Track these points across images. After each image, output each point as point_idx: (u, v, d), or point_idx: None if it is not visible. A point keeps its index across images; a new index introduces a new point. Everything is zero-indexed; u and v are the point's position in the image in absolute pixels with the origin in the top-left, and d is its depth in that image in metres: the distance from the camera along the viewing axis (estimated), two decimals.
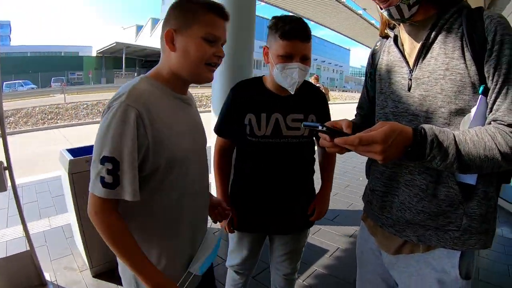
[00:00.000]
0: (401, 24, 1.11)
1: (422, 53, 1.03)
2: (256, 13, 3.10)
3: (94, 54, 49.59)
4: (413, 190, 1.06)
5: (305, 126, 0.95)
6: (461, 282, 1.04)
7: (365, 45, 23.40)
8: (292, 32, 1.37)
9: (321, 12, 13.44)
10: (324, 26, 16.22)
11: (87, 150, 2.52)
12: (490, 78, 0.92)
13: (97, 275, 2.50)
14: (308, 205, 1.69)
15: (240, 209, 1.63)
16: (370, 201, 1.23)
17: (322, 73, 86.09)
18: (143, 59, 45.86)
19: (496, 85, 0.91)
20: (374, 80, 1.24)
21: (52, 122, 14.54)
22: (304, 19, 1.42)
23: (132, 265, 0.99)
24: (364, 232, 1.30)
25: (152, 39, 54.30)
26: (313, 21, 14.77)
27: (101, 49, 44.26)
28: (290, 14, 1.41)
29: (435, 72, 0.99)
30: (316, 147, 1.62)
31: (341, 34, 18.81)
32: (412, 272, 1.11)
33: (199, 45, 1.06)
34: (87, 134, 11.00)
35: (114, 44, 39.71)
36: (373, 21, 15.68)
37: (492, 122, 0.93)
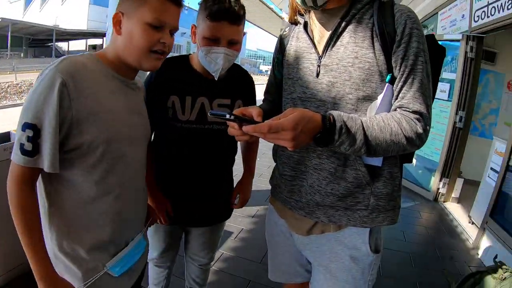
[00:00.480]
0: (312, 11, 1.11)
1: (332, 40, 1.06)
2: None
3: None
4: (321, 174, 1.09)
5: (212, 115, 0.90)
6: (372, 256, 1.13)
7: (262, 29, 24.02)
8: (220, 12, 1.26)
9: None
10: None
11: None
12: (397, 67, 0.99)
13: (2, 286, 2.18)
14: (229, 194, 1.67)
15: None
16: (278, 185, 1.25)
17: None
18: (30, 38, 40.83)
19: (402, 74, 0.98)
20: (282, 66, 1.25)
21: None
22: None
23: (29, 247, 0.94)
24: (273, 215, 1.32)
25: (42, 15, 48.71)
26: None
27: None
28: None
29: (344, 60, 1.03)
30: None
31: None
32: (324, 250, 1.17)
33: (143, 31, 1.01)
34: None
35: None
36: (272, 6, 16.03)
37: (397, 109, 1.00)
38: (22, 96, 15.26)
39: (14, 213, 0.93)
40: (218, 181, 1.59)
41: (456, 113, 4.30)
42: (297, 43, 1.18)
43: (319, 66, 1.08)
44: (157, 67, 1.09)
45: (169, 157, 1.49)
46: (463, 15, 4.30)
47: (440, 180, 4.53)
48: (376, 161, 1.06)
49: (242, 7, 1.33)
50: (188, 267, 1.81)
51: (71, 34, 40.56)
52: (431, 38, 1.12)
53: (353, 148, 0.92)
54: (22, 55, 38.29)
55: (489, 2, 3.65)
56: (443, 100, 4.55)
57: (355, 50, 1.02)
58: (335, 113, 0.92)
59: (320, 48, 1.09)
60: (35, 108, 0.90)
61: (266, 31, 24.53)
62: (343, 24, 1.05)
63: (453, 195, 4.56)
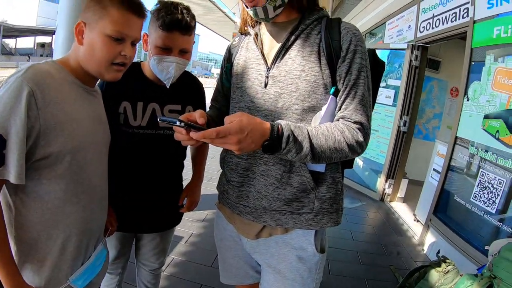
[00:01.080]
0: (263, 23, 1.16)
1: (281, 53, 1.11)
2: None
3: None
4: (268, 180, 1.12)
5: (162, 121, 0.91)
6: (318, 256, 1.17)
7: (215, 32, 24.15)
8: (173, 23, 1.29)
9: None
10: None
11: None
12: (341, 81, 1.06)
13: None
14: (178, 200, 1.66)
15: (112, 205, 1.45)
16: (226, 191, 1.27)
17: None
18: None
19: (346, 87, 1.05)
20: (231, 75, 1.27)
21: None
22: None
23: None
24: (222, 221, 1.33)
25: None
26: None
27: None
28: (177, 1, 1.38)
29: (292, 72, 1.08)
30: None
31: None
32: (273, 252, 1.20)
33: (104, 43, 1.01)
34: None
35: None
36: (225, 10, 16.07)
37: (340, 119, 1.06)
38: None
39: None
40: (168, 185, 1.61)
41: (401, 118, 4.56)
42: (246, 53, 1.22)
43: (267, 77, 1.12)
44: (118, 78, 1.10)
45: (121, 162, 1.47)
46: (410, 25, 4.57)
47: (386, 181, 4.77)
48: (320, 168, 1.12)
49: (193, 18, 1.36)
50: (139, 273, 1.79)
51: (19, 31, 38.21)
52: (372, 53, 1.20)
53: (300, 156, 0.97)
54: None
55: (434, 15, 3.92)
56: (388, 105, 4.79)
57: (302, 63, 1.07)
58: (283, 122, 0.96)
59: (269, 60, 1.13)
60: (0, 118, 0.87)
61: (219, 34, 24.57)
62: (292, 38, 1.10)
63: (398, 195, 4.80)
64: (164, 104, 1.47)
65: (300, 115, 1.08)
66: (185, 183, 1.72)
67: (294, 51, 1.10)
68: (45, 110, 0.92)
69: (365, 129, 1.05)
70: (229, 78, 1.29)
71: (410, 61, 4.41)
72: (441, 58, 5.51)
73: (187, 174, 1.72)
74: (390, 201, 4.77)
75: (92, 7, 1.02)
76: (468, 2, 3.22)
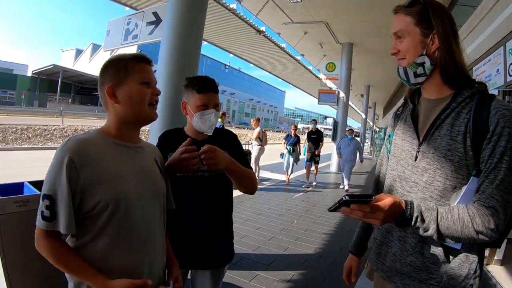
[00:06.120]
0: (423, 97, 1.28)
1: (431, 130, 1.19)
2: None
3: (29, 74, 47.02)
4: (404, 246, 1.22)
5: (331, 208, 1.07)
6: None
7: (300, 89, 24.68)
8: (207, 86, 1.75)
9: (260, 54, 14.09)
10: (263, 69, 17.07)
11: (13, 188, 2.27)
12: (484, 163, 1.07)
13: None
14: (228, 239, 1.88)
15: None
16: (371, 247, 1.42)
17: (257, 113, 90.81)
18: (79, 86, 44.08)
19: (486, 171, 1.06)
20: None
21: None
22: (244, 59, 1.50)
23: (82, 278, 1.14)
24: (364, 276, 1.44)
25: (91, 65, 52.62)
26: (251, 62, 15.46)
27: (38, 69, 42.09)
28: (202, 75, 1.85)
29: (439, 150, 1.14)
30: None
31: (278, 77, 19.44)
32: None
33: (140, 90, 1.24)
34: (13, 161, 10.29)
35: (51, 66, 37.91)
36: (310, 67, 16.60)
37: (476, 202, 1.07)
38: None
39: (54, 263, 1.12)
40: (217, 221, 1.81)
41: None
42: (404, 125, 1.33)
43: (418, 151, 1.21)
44: (156, 117, 1.32)
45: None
46: (498, 69, 4.25)
47: None
48: (456, 245, 1.14)
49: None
50: None
51: None
52: None
53: (426, 234, 1.07)
54: (70, 101, 41.18)
55: None
56: None
57: (449, 143, 1.12)
58: (415, 203, 1.08)
59: (421, 135, 1.23)
60: (49, 182, 1.11)
61: (304, 91, 25.23)
62: (442, 116, 1.17)
63: (495, 258, 4.24)
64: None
65: (441, 192, 1.14)
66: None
67: (443, 129, 1.15)
68: (83, 169, 1.12)
69: (500, 215, 1.03)
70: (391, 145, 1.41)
71: None
72: None
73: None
74: (486, 265, 4.23)
75: (113, 72, 1.24)
76: None
